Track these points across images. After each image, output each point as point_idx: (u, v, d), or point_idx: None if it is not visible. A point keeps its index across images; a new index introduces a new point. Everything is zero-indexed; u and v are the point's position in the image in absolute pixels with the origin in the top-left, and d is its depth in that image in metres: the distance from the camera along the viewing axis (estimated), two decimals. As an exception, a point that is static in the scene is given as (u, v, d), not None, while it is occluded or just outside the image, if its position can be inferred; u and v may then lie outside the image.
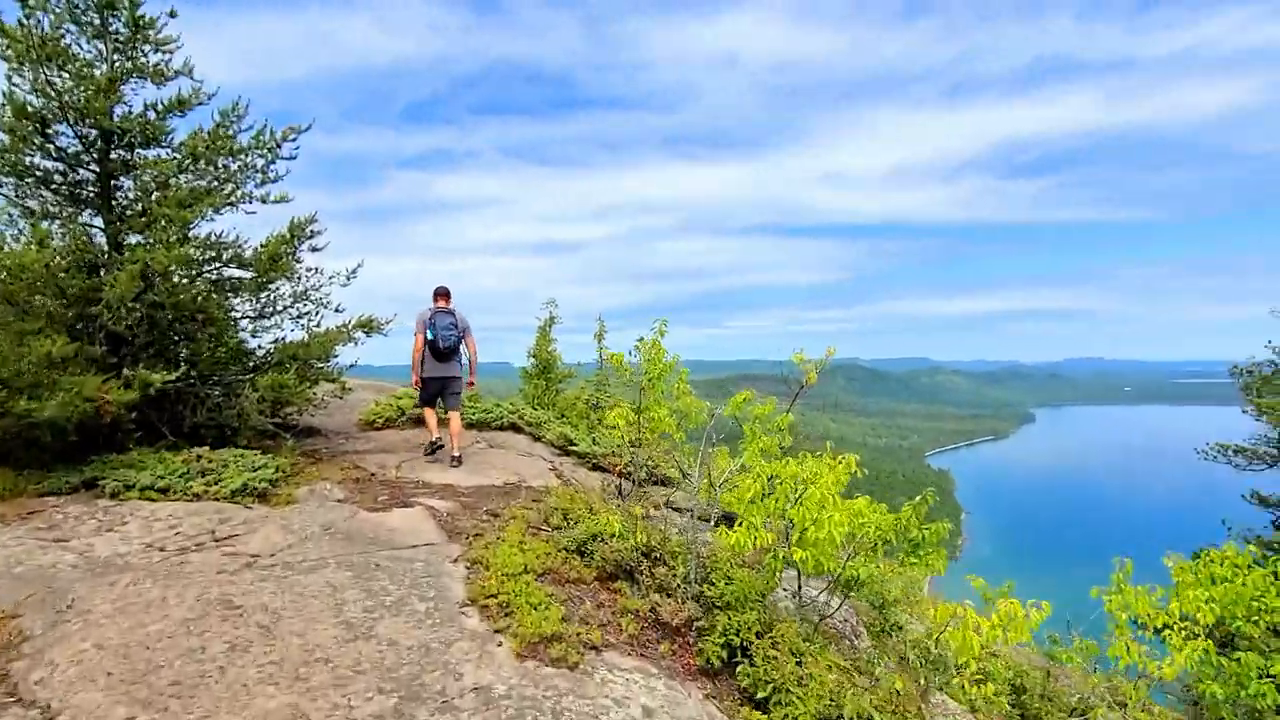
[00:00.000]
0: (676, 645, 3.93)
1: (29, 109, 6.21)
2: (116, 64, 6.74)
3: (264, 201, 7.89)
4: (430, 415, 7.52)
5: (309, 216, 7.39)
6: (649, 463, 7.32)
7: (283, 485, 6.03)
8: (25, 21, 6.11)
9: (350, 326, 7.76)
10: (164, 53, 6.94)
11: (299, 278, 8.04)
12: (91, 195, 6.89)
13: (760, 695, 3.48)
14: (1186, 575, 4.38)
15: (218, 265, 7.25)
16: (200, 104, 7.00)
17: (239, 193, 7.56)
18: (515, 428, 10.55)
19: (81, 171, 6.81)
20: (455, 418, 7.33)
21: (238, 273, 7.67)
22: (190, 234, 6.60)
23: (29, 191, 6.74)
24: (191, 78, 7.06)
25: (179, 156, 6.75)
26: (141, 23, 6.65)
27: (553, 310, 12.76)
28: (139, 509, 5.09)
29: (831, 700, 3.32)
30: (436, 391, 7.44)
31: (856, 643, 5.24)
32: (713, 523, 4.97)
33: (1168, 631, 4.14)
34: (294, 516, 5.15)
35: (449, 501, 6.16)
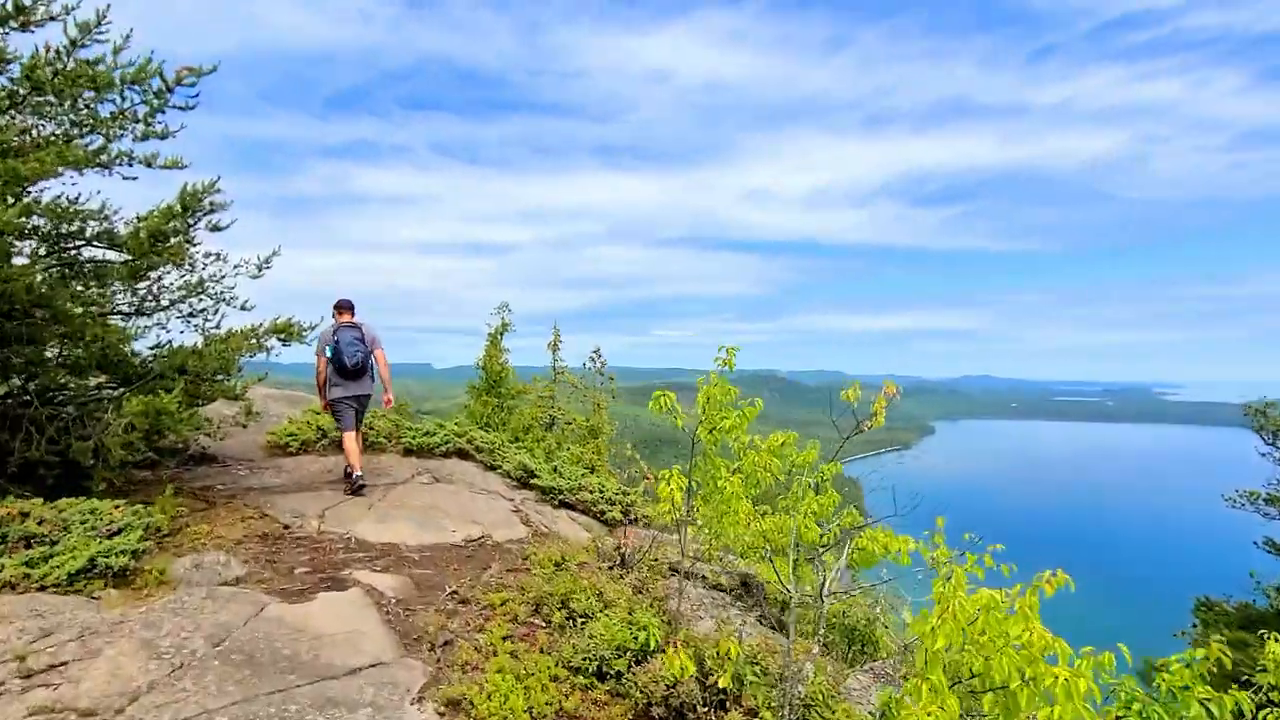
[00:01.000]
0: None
1: None
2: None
3: (148, 165, 5.98)
4: (350, 442, 6.35)
5: (209, 183, 5.59)
6: (704, 556, 6.00)
7: (153, 557, 4.27)
8: None
9: (262, 331, 5.98)
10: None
11: (193, 264, 6.19)
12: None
13: None
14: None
15: (74, 243, 5.34)
16: (53, 19, 5.09)
17: (110, 150, 5.65)
18: (463, 454, 8.93)
19: None
20: (357, 436, 6.55)
21: (109, 254, 5.75)
22: (26, 197, 4.70)
23: None
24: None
25: (10, 85, 4.80)
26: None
27: (505, 316, 11.20)
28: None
29: None
30: (355, 412, 6.53)
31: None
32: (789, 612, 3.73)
33: None
34: (165, 620, 3.47)
35: (396, 575, 4.59)
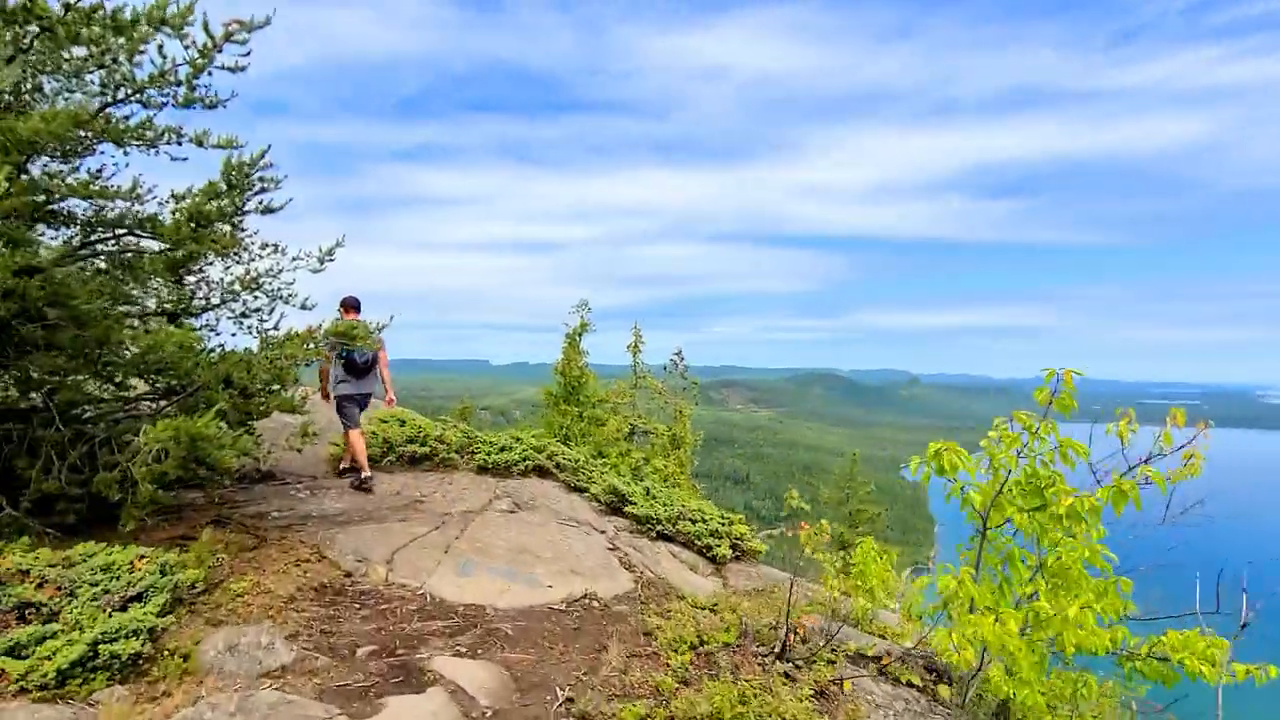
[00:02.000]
0: None
1: None
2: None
3: (199, 144, 5.06)
4: (358, 442, 6.41)
5: (257, 154, 4.61)
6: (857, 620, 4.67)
7: (178, 632, 3.26)
8: None
9: (320, 335, 4.97)
10: None
11: (243, 254, 5.26)
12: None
13: None
14: None
15: (101, 231, 4.45)
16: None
17: (154, 126, 4.74)
18: (542, 471, 7.83)
19: None
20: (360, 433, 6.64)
21: (146, 242, 4.87)
22: (34, 167, 3.78)
23: None
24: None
25: (13, 29, 3.87)
26: None
27: (584, 315, 10.05)
28: None
29: None
30: (361, 410, 6.66)
31: None
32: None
33: None
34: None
35: (487, 663, 3.44)
